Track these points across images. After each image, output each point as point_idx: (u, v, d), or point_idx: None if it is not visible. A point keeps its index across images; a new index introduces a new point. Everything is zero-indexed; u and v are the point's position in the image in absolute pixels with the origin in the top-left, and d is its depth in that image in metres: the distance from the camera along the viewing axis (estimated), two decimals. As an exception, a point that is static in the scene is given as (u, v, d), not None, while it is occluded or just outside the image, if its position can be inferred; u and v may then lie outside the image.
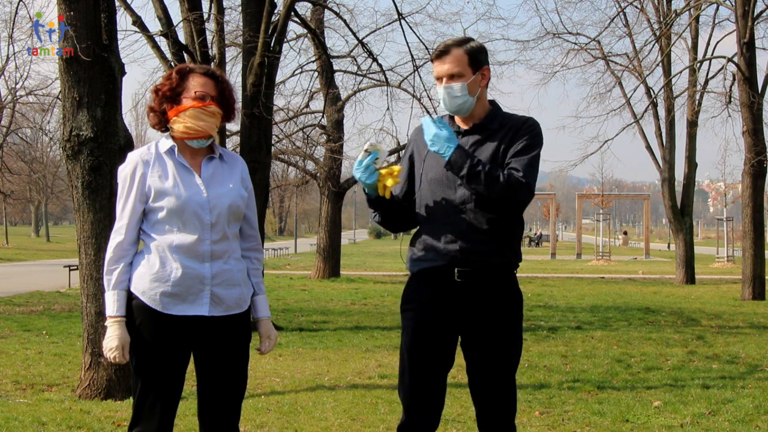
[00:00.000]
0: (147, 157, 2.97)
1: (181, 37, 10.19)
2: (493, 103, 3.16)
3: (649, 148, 21.27)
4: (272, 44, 10.11)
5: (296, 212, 51.94)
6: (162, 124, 3.02)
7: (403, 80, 17.61)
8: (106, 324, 2.91)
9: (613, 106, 23.73)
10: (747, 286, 15.50)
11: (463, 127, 3.11)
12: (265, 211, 11.64)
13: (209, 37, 10.76)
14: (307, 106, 20.72)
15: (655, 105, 20.51)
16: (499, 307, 3.03)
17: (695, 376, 7.02)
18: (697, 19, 19.86)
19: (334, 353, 8.31)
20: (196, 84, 2.97)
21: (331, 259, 20.97)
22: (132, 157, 3.00)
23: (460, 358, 3.13)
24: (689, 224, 21.09)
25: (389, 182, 3.03)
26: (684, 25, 20.28)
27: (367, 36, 18.53)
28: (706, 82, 20.23)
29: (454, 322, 3.03)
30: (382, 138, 18.96)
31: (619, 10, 20.34)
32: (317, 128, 20.93)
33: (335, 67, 18.85)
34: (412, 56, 13.49)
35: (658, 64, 20.00)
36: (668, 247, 53.90)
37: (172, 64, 9.55)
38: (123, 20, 11.51)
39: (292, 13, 11.48)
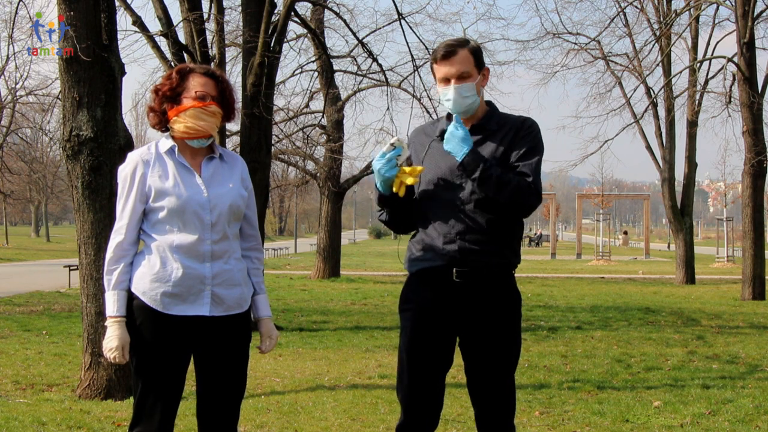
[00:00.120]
0: (147, 157, 2.97)
1: (181, 37, 10.20)
2: (489, 103, 3.17)
3: (649, 148, 21.27)
4: (272, 44, 10.12)
5: (296, 212, 51.95)
6: (162, 124, 3.02)
7: (403, 80, 17.61)
8: (106, 324, 2.91)
9: (613, 106, 23.75)
10: (747, 286, 15.50)
11: None
12: (265, 211, 11.64)
13: (209, 37, 10.76)
14: (307, 106, 20.73)
15: (655, 105, 20.52)
16: (498, 308, 3.03)
17: (695, 376, 7.02)
18: (697, 19, 19.87)
19: (334, 353, 8.31)
20: (196, 84, 2.97)
21: (331, 259, 20.97)
22: (132, 157, 3.00)
23: (459, 358, 3.13)
24: (689, 224, 21.09)
25: (409, 180, 3.00)
26: (684, 25, 20.31)
27: (367, 36, 18.54)
28: (706, 82, 20.24)
29: (452, 322, 3.03)
30: (382, 138, 18.96)
31: (619, 10, 20.35)
32: (317, 128, 20.93)
33: (335, 67, 18.85)
34: (412, 56, 13.52)
35: (658, 64, 20.00)
36: (668, 247, 53.90)
37: (172, 64, 9.55)
38: (123, 20, 11.53)
39: (292, 13, 11.48)
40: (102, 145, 5.81)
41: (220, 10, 10.56)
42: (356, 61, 19.08)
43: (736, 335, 9.92)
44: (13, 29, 9.01)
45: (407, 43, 29.56)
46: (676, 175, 21.36)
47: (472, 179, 2.94)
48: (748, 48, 15.80)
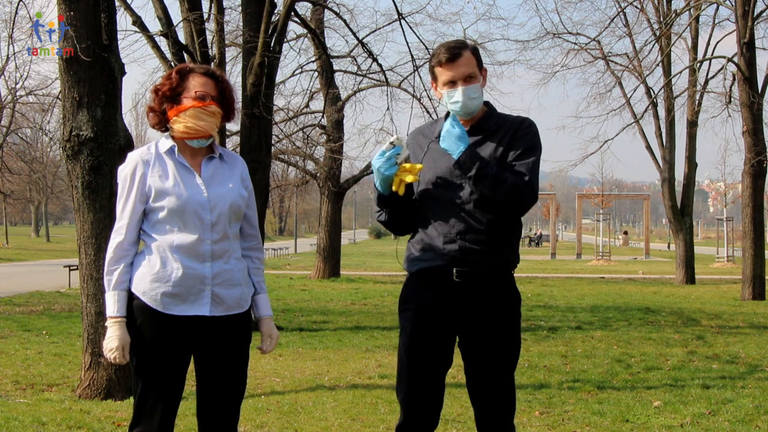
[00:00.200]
0: (147, 157, 2.97)
1: (181, 37, 10.20)
2: (487, 104, 3.18)
3: (649, 148, 21.27)
4: (272, 44, 10.12)
5: (296, 212, 51.95)
6: (162, 124, 3.02)
7: (403, 80, 17.62)
8: (106, 324, 2.91)
9: (613, 106, 23.75)
10: (747, 286, 15.50)
11: None
12: (265, 211, 11.64)
13: (209, 37, 10.76)
14: (307, 106, 20.73)
15: (655, 105, 20.52)
16: (498, 307, 3.03)
17: (695, 376, 7.02)
18: (697, 19, 19.87)
19: (334, 353, 8.31)
20: (196, 84, 2.97)
21: (331, 259, 20.97)
22: (132, 157, 3.00)
23: (459, 358, 3.13)
24: (689, 224, 21.09)
25: (409, 178, 3.00)
26: (684, 25, 20.31)
27: (367, 36, 18.55)
28: (706, 82, 20.24)
29: (452, 322, 3.03)
30: (382, 138, 18.97)
31: (619, 10, 20.35)
32: (317, 128, 20.93)
33: (335, 67, 18.86)
34: (412, 56, 13.52)
35: (658, 64, 20.00)
36: (668, 247, 53.90)
37: (172, 64, 9.55)
38: (123, 20, 11.53)
39: (292, 13, 11.48)
40: (102, 145, 5.81)
41: (220, 10, 10.56)
42: (356, 61, 19.09)
43: (736, 335, 9.92)
44: (13, 29, 9.02)
45: (407, 43, 29.62)
46: (676, 175, 21.37)
47: (468, 177, 2.95)
48: (748, 48, 15.80)
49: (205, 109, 2.95)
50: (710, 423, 5.25)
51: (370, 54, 14.61)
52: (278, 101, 18.52)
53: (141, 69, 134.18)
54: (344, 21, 15.44)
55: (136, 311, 2.90)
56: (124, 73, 6.05)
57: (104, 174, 5.79)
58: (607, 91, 21.77)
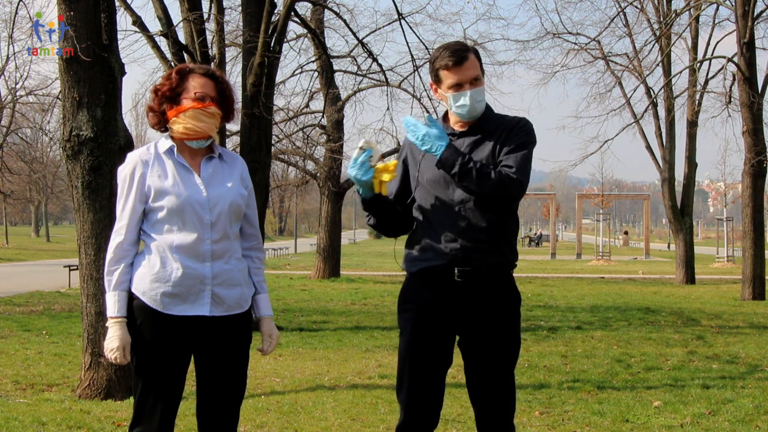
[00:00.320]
0: (146, 158, 2.97)
1: (181, 37, 10.20)
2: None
3: (649, 148, 21.27)
4: (272, 44, 10.12)
5: (296, 212, 51.91)
6: (161, 124, 3.02)
7: (403, 80, 17.62)
8: (107, 325, 2.91)
9: (613, 106, 23.73)
10: (747, 286, 15.50)
11: (459, 128, 3.12)
12: (265, 211, 11.64)
13: (209, 37, 10.76)
14: (307, 106, 20.73)
15: (655, 105, 20.52)
16: (498, 306, 3.04)
17: (695, 376, 7.02)
18: (697, 19, 19.86)
19: (334, 353, 8.31)
20: (196, 84, 2.97)
21: (331, 259, 20.97)
22: (131, 157, 3.00)
23: (460, 358, 3.13)
24: (689, 224, 21.09)
25: (386, 177, 3.03)
26: (684, 25, 20.30)
27: (367, 36, 18.55)
28: (706, 82, 20.24)
29: (453, 321, 3.04)
30: (381, 138, 18.97)
31: (619, 10, 20.35)
32: (317, 128, 20.93)
33: (335, 67, 18.85)
34: (412, 56, 13.52)
35: (658, 64, 20.00)
36: (668, 247, 53.90)
37: (172, 64, 9.55)
38: (123, 20, 11.52)
39: (292, 13, 11.48)
40: (102, 145, 5.81)
41: (220, 10, 10.56)
42: (356, 61, 19.09)
43: (736, 335, 9.92)
44: (13, 29, 9.02)
45: (407, 43, 29.64)
46: (676, 175, 21.37)
47: (452, 174, 2.95)
48: (748, 48, 15.80)
49: (204, 110, 2.95)
50: (710, 423, 5.25)
51: (370, 54, 14.61)
52: (278, 101, 18.54)
53: (141, 69, 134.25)
54: (344, 21, 15.45)
55: (136, 311, 2.90)
56: (124, 73, 6.05)
57: (104, 174, 5.79)
58: (607, 91, 21.79)
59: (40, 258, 31.70)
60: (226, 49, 13.16)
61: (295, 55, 47.35)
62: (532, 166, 3.07)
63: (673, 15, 19.01)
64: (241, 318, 3.00)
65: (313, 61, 19.75)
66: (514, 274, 3.15)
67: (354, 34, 15.07)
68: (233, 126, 14.54)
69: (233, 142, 17.46)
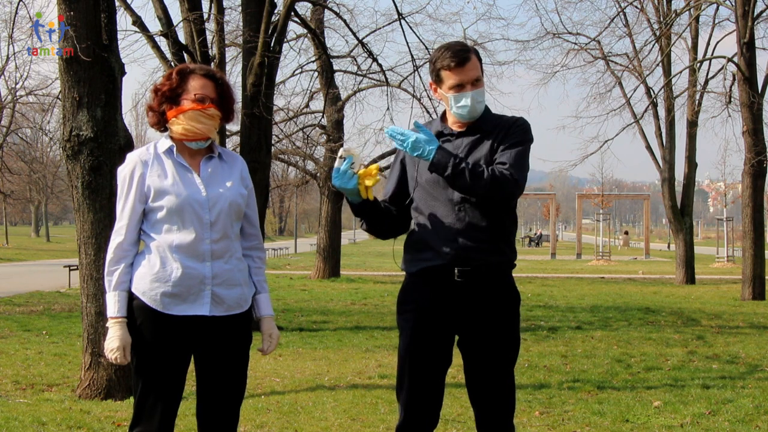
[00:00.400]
0: (146, 158, 2.97)
1: (181, 37, 10.20)
2: None
3: (649, 148, 21.27)
4: (272, 44, 10.12)
5: (296, 212, 51.94)
6: (161, 123, 3.03)
7: (403, 80, 17.63)
8: (107, 325, 2.91)
9: (613, 106, 23.69)
10: (747, 286, 15.50)
11: (457, 129, 3.12)
12: (265, 211, 11.64)
13: (209, 37, 10.77)
14: (307, 106, 20.74)
15: (655, 105, 20.51)
16: (497, 306, 3.04)
17: (695, 376, 7.02)
18: (697, 19, 19.86)
19: (334, 353, 8.31)
20: (196, 85, 2.97)
21: (331, 259, 20.97)
22: (131, 157, 3.00)
23: (460, 358, 3.13)
24: (689, 224, 21.08)
25: (369, 182, 3.04)
26: (684, 25, 20.30)
27: (367, 36, 18.56)
28: (706, 82, 20.23)
29: (453, 321, 3.04)
30: (382, 138, 18.98)
31: (619, 10, 20.34)
32: (317, 128, 20.94)
33: (335, 67, 18.86)
34: (412, 56, 13.53)
35: (658, 64, 20.00)
36: (668, 247, 53.89)
37: (172, 64, 9.55)
38: (123, 20, 11.52)
39: (292, 13, 11.49)
40: (102, 145, 5.81)
41: (220, 10, 10.56)
42: (356, 61, 19.09)
43: (736, 335, 9.92)
44: (13, 29, 9.02)
45: (407, 43, 29.67)
46: (676, 175, 21.37)
47: (445, 176, 2.94)
48: (748, 48, 15.80)
49: (203, 112, 2.96)
50: (710, 423, 5.25)
51: (370, 54, 14.62)
52: (278, 101, 18.55)
53: (141, 69, 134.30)
54: (344, 21, 15.45)
55: (136, 311, 2.90)
56: (124, 73, 6.05)
57: (104, 174, 5.79)
58: (607, 91, 21.78)
59: (40, 258, 31.70)
60: (226, 49, 13.17)
61: (295, 55, 47.39)
62: (530, 164, 3.08)
63: (673, 15, 19.01)
64: (241, 318, 3.00)
65: (313, 61, 19.76)
66: (514, 274, 3.15)
67: (354, 34, 15.09)
68: (233, 126, 14.54)
69: (233, 142, 17.47)
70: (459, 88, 3.04)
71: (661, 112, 20.76)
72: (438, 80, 3.09)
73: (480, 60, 3.10)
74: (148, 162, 2.96)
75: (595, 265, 31.98)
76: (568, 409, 5.71)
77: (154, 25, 20.96)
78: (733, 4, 16.47)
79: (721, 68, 18.68)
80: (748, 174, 15.90)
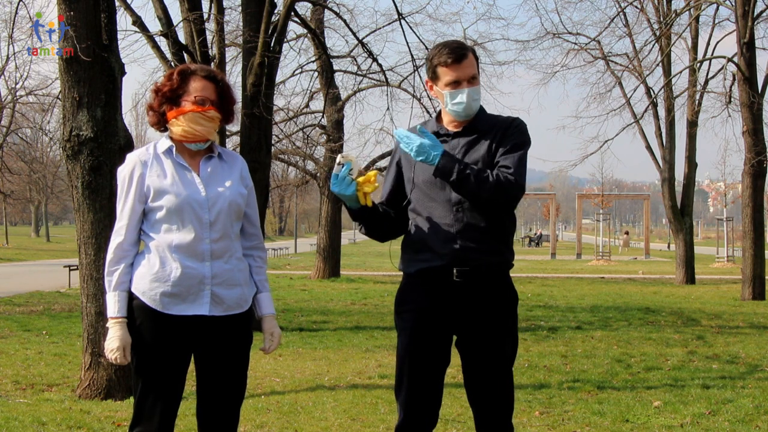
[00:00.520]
0: (145, 158, 2.97)
1: (181, 37, 10.20)
2: None
3: (649, 148, 21.27)
4: (272, 44, 10.12)
5: (296, 212, 51.92)
6: (161, 124, 3.03)
7: (403, 80, 17.63)
8: (107, 325, 2.91)
9: (613, 106, 23.68)
10: (747, 286, 15.50)
11: (453, 129, 3.12)
12: (265, 211, 11.64)
13: (209, 37, 10.77)
14: (307, 106, 20.74)
15: (655, 105, 20.51)
16: (496, 306, 3.04)
17: (695, 376, 7.02)
18: (697, 19, 19.86)
19: (334, 353, 8.31)
20: (196, 87, 2.97)
21: (331, 259, 20.97)
22: (130, 158, 3.01)
23: (460, 358, 3.13)
24: (689, 224, 21.08)
25: (368, 188, 3.05)
26: (684, 25, 20.29)
27: (367, 36, 18.55)
28: (706, 82, 20.23)
29: (451, 321, 3.04)
30: (382, 138, 18.99)
31: (619, 10, 20.34)
32: (317, 128, 20.94)
33: (335, 67, 18.85)
34: (412, 56, 13.52)
35: (658, 64, 19.99)
36: (668, 247, 53.89)
37: (172, 64, 9.55)
38: (123, 20, 11.51)
39: (292, 13, 11.48)
40: (102, 145, 5.81)
41: (220, 10, 10.57)
42: (356, 61, 19.09)
43: (736, 335, 9.92)
44: (13, 29, 9.01)
45: (407, 43, 29.56)
46: (676, 175, 21.36)
47: (450, 182, 2.94)
48: (748, 48, 15.80)
49: (203, 114, 2.96)
50: (710, 423, 5.25)
51: (370, 54, 14.61)
52: (278, 101, 18.55)
53: (141, 69, 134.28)
54: (344, 21, 15.44)
55: (135, 311, 2.90)
56: (124, 73, 6.05)
57: (104, 174, 5.79)
58: (607, 91, 21.77)
59: (40, 258, 31.69)
60: (226, 49, 13.17)
61: (295, 55, 47.39)
62: (527, 166, 3.08)
63: (673, 15, 19.01)
64: (241, 318, 3.00)
65: (313, 61, 19.75)
66: (514, 274, 3.15)
67: (354, 34, 15.08)
68: (233, 126, 14.54)
69: (233, 142, 17.47)
70: (455, 84, 3.04)
71: (661, 112, 20.77)
72: (434, 77, 3.09)
73: (477, 58, 3.10)
74: (148, 162, 2.96)
75: (595, 265, 31.98)
76: (568, 409, 5.71)
77: (154, 25, 20.97)
78: (733, 4, 16.47)
79: (721, 68, 18.68)
80: (748, 174, 15.90)
